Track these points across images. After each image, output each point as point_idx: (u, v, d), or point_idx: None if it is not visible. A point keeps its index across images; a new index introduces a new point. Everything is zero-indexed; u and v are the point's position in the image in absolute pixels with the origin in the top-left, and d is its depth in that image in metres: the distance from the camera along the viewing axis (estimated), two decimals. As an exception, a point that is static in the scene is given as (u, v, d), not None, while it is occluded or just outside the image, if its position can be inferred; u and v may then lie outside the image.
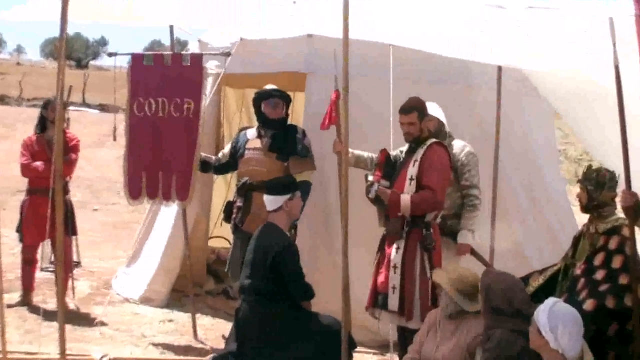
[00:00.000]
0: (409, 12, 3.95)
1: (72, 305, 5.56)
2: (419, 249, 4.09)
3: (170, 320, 5.47)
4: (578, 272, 3.72)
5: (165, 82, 4.91)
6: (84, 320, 5.31)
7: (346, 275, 3.82)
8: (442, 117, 4.61)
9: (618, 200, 3.66)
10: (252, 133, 5.03)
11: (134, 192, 4.98)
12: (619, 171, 3.60)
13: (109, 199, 11.06)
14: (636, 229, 3.60)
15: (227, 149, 5.19)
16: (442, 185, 4.16)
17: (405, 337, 4.12)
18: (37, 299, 5.59)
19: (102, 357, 4.51)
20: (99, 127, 16.37)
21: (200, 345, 5.02)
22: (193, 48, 6.06)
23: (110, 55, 5.35)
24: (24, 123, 15.92)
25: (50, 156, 5.08)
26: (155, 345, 4.94)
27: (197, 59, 5.00)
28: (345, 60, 3.77)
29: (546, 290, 3.77)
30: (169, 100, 4.89)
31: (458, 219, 4.58)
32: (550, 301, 3.06)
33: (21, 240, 5.58)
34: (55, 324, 4.15)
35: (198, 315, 5.36)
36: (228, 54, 5.10)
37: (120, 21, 5.10)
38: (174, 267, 5.80)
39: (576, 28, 3.62)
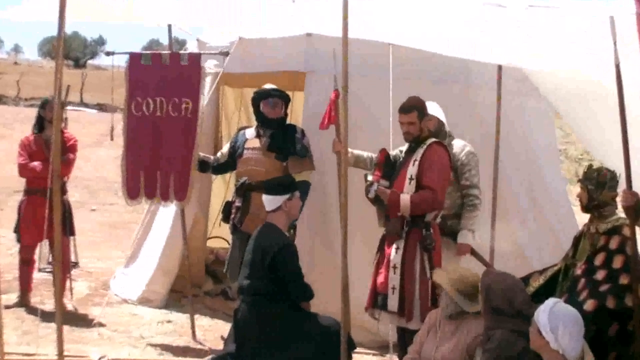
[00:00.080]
0: (408, 11, 3.94)
1: (69, 306, 5.55)
2: (419, 248, 4.08)
3: (169, 321, 5.45)
4: (578, 272, 3.71)
5: (163, 81, 4.90)
6: (82, 320, 5.30)
7: (345, 276, 3.81)
8: (441, 117, 4.60)
9: (618, 199, 3.65)
10: (250, 132, 5.02)
11: (132, 192, 4.96)
12: (620, 170, 3.59)
13: (106, 199, 11.03)
14: (637, 228, 3.58)
15: (225, 148, 5.17)
16: (441, 184, 4.15)
17: (405, 338, 4.11)
18: (34, 300, 5.57)
19: (100, 358, 4.50)
20: (97, 127, 16.37)
21: (198, 346, 5.01)
22: (191, 47, 6.04)
23: (108, 54, 5.32)
24: (21, 123, 15.89)
25: (47, 156, 5.07)
26: (153, 346, 4.92)
27: (195, 58, 4.99)
28: (344, 60, 3.76)
29: (546, 291, 3.76)
30: (167, 99, 4.87)
31: (458, 218, 4.57)
32: (551, 301, 3.05)
33: (19, 240, 5.56)
34: (53, 325, 4.13)
35: (196, 316, 5.34)
36: (226, 54, 5.09)
37: (119, 20, 5.08)
38: (172, 268, 5.79)
39: (576, 27, 3.61)
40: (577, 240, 3.90)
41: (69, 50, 46.10)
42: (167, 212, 5.79)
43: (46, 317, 4.83)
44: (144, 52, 5.18)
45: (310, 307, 4.09)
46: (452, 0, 3.84)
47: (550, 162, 6.30)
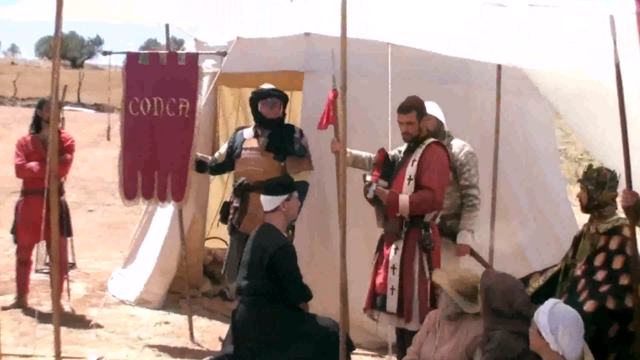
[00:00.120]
0: (407, 11, 3.92)
1: (67, 307, 5.53)
2: (418, 249, 4.06)
3: (166, 322, 5.44)
4: (578, 272, 3.70)
5: (161, 81, 4.88)
6: (79, 322, 5.27)
7: (344, 276, 3.80)
8: (440, 116, 4.58)
9: (618, 199, 3.64)
10: (248, 132, 5.00)
11: (129, 193, 4.95)
12: (620, 170, 3.58)
13: (104, 200, 11.01)
14: (637, 229, 3.57)
15: (223, 148, 5.15)
16: (440, 185, 4.13)
17: (404, 339, 4.10)
18: (31, 301, 5.55)
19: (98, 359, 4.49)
20: (94, 127, 16.33)
21: (196, 347, 4.99)
22: (189, 46, 6.03)
23: (105, 53, 5.31)
24: (18, 123, 15.83)
25: (44, 156, 5.05)
26: (151, 347, 4.90)
27: (193, 58, 4.97)
28: (343, 59, 3.74)
29: (546, 291, 3.75)
30: (164, 99, 4.86)
31: (457, 219, 4.56)
32: (550, 302, 3.04)
33: (16, 241, 5.54)
34: (50, 326, 4.11)
35: (194, 317, 5.32)
36: (224, 53, 5.07)
37: (118, 20, 5.06)
38: (170, 269, 5.77)
39: (576, 27, 3.60)
40: (577, 241, 3.89)
41: (66, 50, 46.06)
42: (165, 213, 5.77)
43: (43, 318, 4.81)
44: (141, 51, 5.16)
45: (308, 307, 4.07)
46: (452, 0, 3.82)
47: (550, 162, 6.30)
